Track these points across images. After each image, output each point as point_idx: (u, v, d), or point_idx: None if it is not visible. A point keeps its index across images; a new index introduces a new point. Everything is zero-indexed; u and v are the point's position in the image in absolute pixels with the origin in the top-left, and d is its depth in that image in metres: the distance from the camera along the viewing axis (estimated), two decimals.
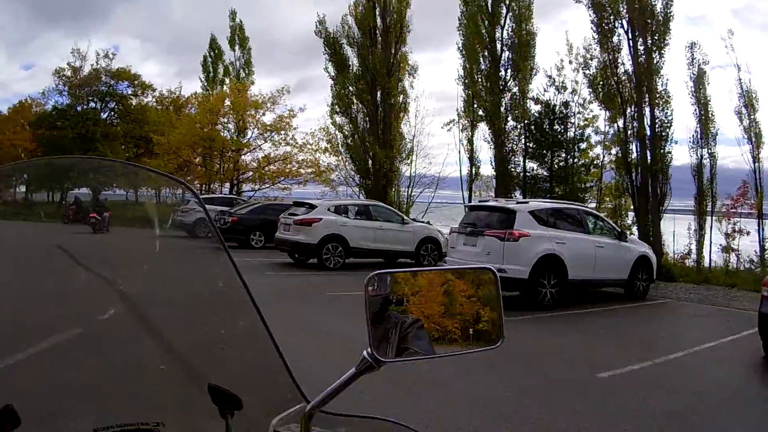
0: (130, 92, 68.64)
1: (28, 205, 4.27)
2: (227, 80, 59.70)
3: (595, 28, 32.59)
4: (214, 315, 2.66)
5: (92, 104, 66.82)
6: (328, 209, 25.37)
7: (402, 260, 26.04)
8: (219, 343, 2.65)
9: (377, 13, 42.39)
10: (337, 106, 43.47)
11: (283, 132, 52.29)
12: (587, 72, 33.61)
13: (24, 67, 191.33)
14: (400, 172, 42.72)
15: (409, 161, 42.81)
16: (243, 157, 53.80)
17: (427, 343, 2.19)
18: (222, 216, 32.09)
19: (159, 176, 3.41)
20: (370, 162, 42.12)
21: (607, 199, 34.34)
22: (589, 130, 36.10)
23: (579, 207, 20.33)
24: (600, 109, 34.28)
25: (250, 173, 53.61)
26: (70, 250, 2.83)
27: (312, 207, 25.64)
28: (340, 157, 44.91)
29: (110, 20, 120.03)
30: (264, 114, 53.19)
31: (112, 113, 68.86)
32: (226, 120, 54.14)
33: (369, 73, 41.60)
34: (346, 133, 43.52)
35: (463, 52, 38.63)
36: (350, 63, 43.26)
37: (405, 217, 28.12)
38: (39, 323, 2.69)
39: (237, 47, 60.92)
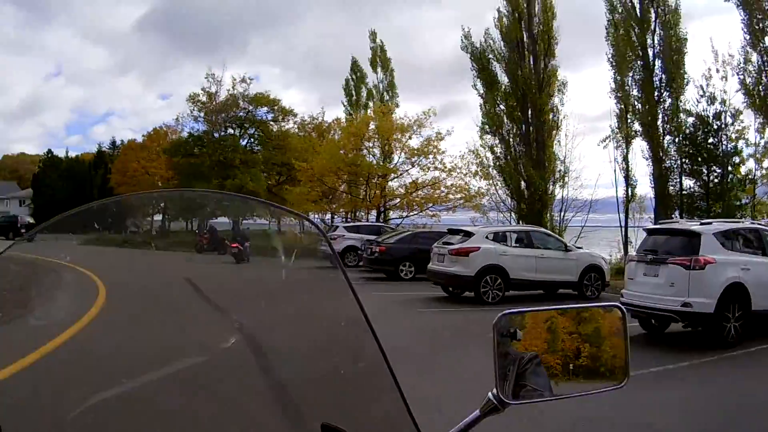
0: (270, 118, 71.25)
1: (163, 233, 4.36)
2: (371, 103, 61.45)
3: (745, 29, 32.71)
4: (334, 353, 2.69)
5: (230, 131, 70.03)
6: (486, 237, 24.42)
7: (563, 291, 24.84)
8: (337, 381, 2.61)
9: (522, 25, 43.28)
10: (487, 126, 44.55)
11: (431, 156, 52.86)
12: (740, 77, 33.65)
13: (162, 97, 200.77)
14: (554, 195, 42.81)
15: (562, 183, 42.81)
16: (389, 182, 55.20)
17: (546, 380, 2.24)
18: (369, 245, 33.20)
19: (283, 212, 3.29)
20: (523, 184, 43.06)
21: (760, 216, 33.26)
22: (740, 143, 35.70)
23: (759, 227, 18.40)
24: (756, 117, 34.09)
25: (397, 200, 55.03)
26: (199, 280, 3.12)
27: (468, 235, 24.71)
28: (491, 181, 45.73)
29: (249, 50, 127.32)
30: (410, 138, 54.28)
31: (252, 140, 72.14)
32: (371, 144, 55.91)
33: (519, 89, 42.74)
34: (498, 154, 44.48)
35: (613, 63, 39.17)
36: (498, 79, 44.27)
37: (568, 244, 27.10)
38: (156, 352, 2.85)
39: (379, 69, 62.34)
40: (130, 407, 2.56)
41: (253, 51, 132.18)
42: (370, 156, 55.68)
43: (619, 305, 2.43)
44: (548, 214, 41.94)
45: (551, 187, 42.31)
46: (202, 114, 68.75)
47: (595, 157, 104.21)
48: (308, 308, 2.98)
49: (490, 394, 2.13)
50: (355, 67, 64.11)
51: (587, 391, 2.32)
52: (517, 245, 24.72)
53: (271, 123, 70.71)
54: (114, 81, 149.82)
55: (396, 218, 53.97)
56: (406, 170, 54.25)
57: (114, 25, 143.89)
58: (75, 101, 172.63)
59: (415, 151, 53.20)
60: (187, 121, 70.51)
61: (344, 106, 64.45)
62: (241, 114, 68.82)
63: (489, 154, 44.45)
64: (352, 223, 46.33)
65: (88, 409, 2.42)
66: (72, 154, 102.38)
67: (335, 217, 61.00)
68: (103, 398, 2.47)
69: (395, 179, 54.89)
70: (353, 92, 63.92)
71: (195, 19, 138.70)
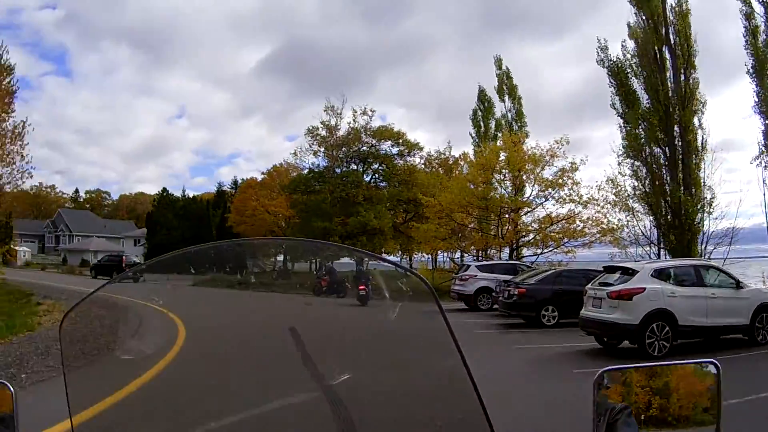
0: (395, 152, 68.57)
1: (285, 274, 4.57)
2: (499, 135, 58.27)
3: None
4: (434, 404, 2.69)
5: (353, 166, 68.04)
6: (651, 275, 19.83)
7: (729, 336, 20.57)
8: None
9: (660, 33, 39.20)
10: (629, 150, 40.27)
11: (565, 187, 49.13)
12: None
13: (288, 138, 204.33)
14: (702, 223, 38.53)
15: (709, 210, 38.42)
16: (522, 217, 51.66)
17: (636, 430, 2.34)
18: (506, 287, 29.20)
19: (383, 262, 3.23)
20: (669, 213, 38.47)
21: None
22: None
23: None
24: None
25: (530, 236, 51.09)
26: (312, 322, 3.21)
27: (629, 272, 20.35)
28: (630, 212, 41.68)
29: (374, 91, 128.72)
30: (543, 168, 50.54)
31: (376, 175, 69.67)
32: (501, 177, 52.43)
33: (662, 106, 38.45)
34: (641, 178, 40.31)
35: (754, 75, 35.45)
36: (638, 96, 40.17)
37: (740, 281, 21.71)
38: (237, 396, 2.90)
39: (506, 97, 59.88)
40: None
41: (378, 90, 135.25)
42: (501, 189, 52.37)
43: (715, 361, 2.49)
44: (699, 246, 37.77)
45: (699, 215, 38.24)
46: (322, 149, 67.21)
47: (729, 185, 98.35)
48: (413, 357, 2.92)
49: None
50: (482, 96, 62.15)
51: None
52: (685, 284, 20.15)
53: (396, 157, 68.29)
54: (238, 123, 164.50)
55: (529, 255, 50.64)
56: (540, 203, 50.75)
57: (236, 69, 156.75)
58: (199, 143, 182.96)
59: (549, 183, 49.46)
60: (306, 155, 69.15)
61: (472, 137, 62.37)
62: (363, 148, 66.70)
63: (629, 183, 40.91)
64: (484, 262, 42.94)
65: None
66: (192, 193, 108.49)
67: (465, 255, 58.09)
68: None
69: (528, 213, 51.52)
70: (481, 123, 61.75)
71: (318, 60, 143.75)
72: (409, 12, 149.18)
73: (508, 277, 32.42)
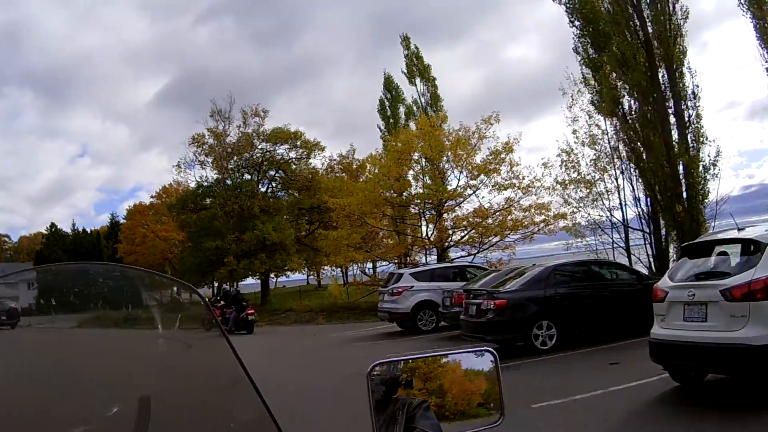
0: (292, 156, 58.64)
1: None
2: (411, 124, 49.64)
3: None
4: (222, 413, 2.72)
5: (246, 176, 57.63)
6: None
7: None
8: None
9: None
10: (603, 104, 30.93)
11: (503, 171, 40.03)
12: None
13: (188, 167, 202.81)
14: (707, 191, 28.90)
15: (715, 172, 28.83)
16: (451, 212, 42.48)
17: (434, 423, 2.44)
18: (471, 301, 19.71)
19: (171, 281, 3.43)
20: (666, 180, 28.77)
21: None
22: None
23: None
24: None
25: (462, 233, 41.77)
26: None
27: (756, 248, 10.43)
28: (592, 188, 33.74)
29: (273, 111, 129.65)
30: (470, 154, 41.09)
31: (273, 183, 60.01)
32: (418, 169, 43.64)
33: (641, 43, 28.99)
34: (625, 139, 31.08)
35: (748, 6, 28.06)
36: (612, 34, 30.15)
37: None
38: (51, 419, 2.86)
39: (418, 79, 51.60)
40: None
41: (278, 111, 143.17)
42: (418, 186, 43.54)
43: (491, 350, 2.65)
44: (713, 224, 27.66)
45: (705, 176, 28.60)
46: (210, 159, 57.29)
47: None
48: (193, 373, 2.94)
49: None
50: (388, 84, 54.17)
51: (470, 430, 2.55)
52: None
53: (294, 162, 58.26)
54: (139, 156, 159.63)
55: (462, 256, 40.76)
56: (471, 194, 41.47)
57: (135, 103, 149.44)
58: (102, 180, 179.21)
59: (481, 168, 40.11)
60: (191, 168, 58.94)
61: (380, 130, 53.91)
62: (257, 154, 56.88)
63: (604, 147, 32.36)
64: (421, 268, 32.59)
65: None
66: (90, 228, 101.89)
67: (383, 264, 49.43)
68: None
69: (456, 208, 42.19)
70: (389, 112, 53.63)
71: (214, 86, 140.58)
72: (300, 33, 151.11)
73: (455, 285, 25.31)
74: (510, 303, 18.04)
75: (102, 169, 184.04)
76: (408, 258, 43.69)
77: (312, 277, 76.76)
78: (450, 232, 41.97)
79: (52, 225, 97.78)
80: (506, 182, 39.68)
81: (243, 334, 33.00)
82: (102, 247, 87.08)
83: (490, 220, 40.13)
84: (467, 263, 34.20)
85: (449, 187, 41.66)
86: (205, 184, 57.53)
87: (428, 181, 42.37)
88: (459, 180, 41.79)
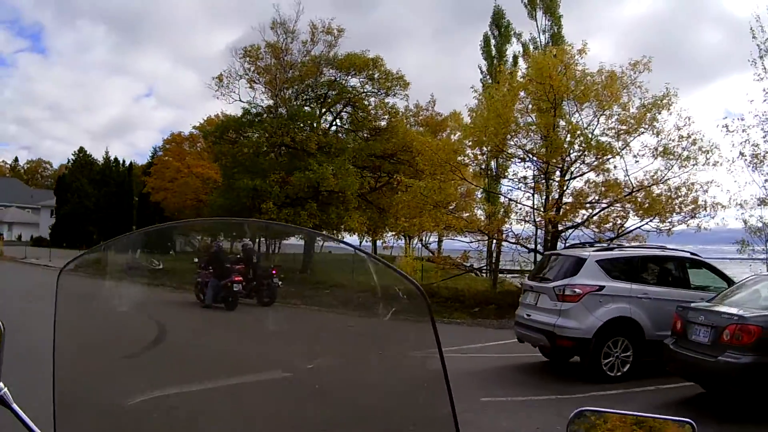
0: (368, 90, 44.25)
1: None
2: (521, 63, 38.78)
3: None
4: (409, 404, 2.70)
5: (306, 108, 43.55)
6: None
7: None
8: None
9: None
10: None
11: (657, 131, 27.69)
12: None
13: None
14: None
15: None
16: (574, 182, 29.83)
17: None
18: (702, 324, 11.58)
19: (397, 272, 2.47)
20: None
21: None
22: None
23: None
24: None
25: (600, 207, 28.91)
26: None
27: None
28: None
29: (347, 35, 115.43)
30: (612, 103, 28.14)
31: (338, 121, 46.37)
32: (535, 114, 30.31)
33: None
34: None
35: None
36: None
37: None
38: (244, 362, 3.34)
39: (539, 13, 39.66)
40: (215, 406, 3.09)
41: None
42: (536, 137, 30.19)
43: (691, 422, 2.31)
44: None
45: None
46: (263, 80, 44.33)
47: None
48: (394, 366, 2.97)
49: None
50: (497, 18, 41.63)
51: None
52: None
53: (370, 95, 44.11)
54: (203, 103, 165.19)
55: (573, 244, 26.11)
56: (623, 148, 28.08)
57: (205, 50, 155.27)
58: (165, 122, 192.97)
59: (636, 119, 27.39)
60: (234, 83, 45.23)
61: (481, 72, 41.76)
62: (322, 83, 43.30)
63: None
64: (617, 253, 16.18)
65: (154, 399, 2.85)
66: (116, 157, 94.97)
67: (470, 241, 33.26)
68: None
69: (584, 173, 29.24)
70: (494, 53, 41.40)
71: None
72: (379, 1, 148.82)
73: (673, 293, 14.37)
74: None
75: (166, 111, 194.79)
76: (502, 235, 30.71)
77: (367, 243, 57.94)
78: (578, 204, 28.73)
79: (81, 149, 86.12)
80: (674, 144, 26.84)
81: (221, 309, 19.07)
82: (134, 180, 77.06)
83: (640, 193, 27.16)
84: (676, 249, 17.59)
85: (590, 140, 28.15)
86: (254, 111, 44.22)
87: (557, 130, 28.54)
88: (600, 133, 28.54)
